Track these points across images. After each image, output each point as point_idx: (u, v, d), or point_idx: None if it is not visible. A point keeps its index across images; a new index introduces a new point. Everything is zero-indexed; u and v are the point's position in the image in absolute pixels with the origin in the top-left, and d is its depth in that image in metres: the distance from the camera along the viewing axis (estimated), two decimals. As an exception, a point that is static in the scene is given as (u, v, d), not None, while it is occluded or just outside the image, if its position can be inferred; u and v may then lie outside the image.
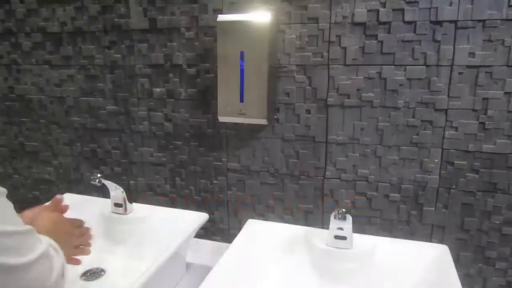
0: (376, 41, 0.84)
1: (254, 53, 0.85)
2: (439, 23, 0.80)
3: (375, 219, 0.93)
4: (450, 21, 0.79)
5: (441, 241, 0.90)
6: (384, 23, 0.83)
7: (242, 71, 0.87)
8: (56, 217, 0.75)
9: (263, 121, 0.89)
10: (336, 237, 0.79)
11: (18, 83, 1.13)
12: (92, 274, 0.85)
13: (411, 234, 0.92)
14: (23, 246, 0.47)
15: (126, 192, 1.11)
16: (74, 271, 0.85)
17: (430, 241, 0.91)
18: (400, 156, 0.88)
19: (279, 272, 0.83)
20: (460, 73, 0.81)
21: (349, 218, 0.76)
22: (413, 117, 0.85)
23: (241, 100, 0.88)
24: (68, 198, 1.01)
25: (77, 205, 0.88)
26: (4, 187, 1.17)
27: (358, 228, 0.94)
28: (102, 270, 0.87)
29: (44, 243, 0.52)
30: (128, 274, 0.85)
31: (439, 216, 0.89)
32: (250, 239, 0.85)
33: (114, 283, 0.84)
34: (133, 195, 1.12)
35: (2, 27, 1.10)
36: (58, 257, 0.55)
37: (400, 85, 0.84)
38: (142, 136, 1.06)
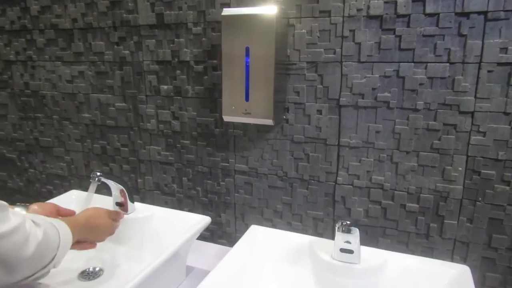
0: (393, 35, 0.76)
1: (260, 49, 0.80)
2: (465, 14, 0.71)
3: (390, 230, 0.86)
4: (479, 13, 0.70)
5: (464, 259, 0.81)
6: (403, 15, 0.75)
7: (247, 68, 0.82)
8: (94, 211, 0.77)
9: (269, 122, 0.84)
10: (342, 250, 0.72)
11: (33, 79, 1.15)
12: (90, 273, 0.84)
13: (430, 249, 0.84)
14: None
15: (133, 191, 1.09)
16: (72, 270, 0.84)
17: (452, 258, 0.82)
18: (419, 162, 0.80)
19: (279, 284, 0.77)
20: (489, 71, 0.72)
21: (356, 231, 0.69)
22: (435, 120, 0.77)
23: (247, 99, 0.83)
24: (75, 195, 1.01)
25: (82, 202, 0.87)
26: (20, 181, 1.22)
27: (371, 239, 0.87)
28: (101, 270, 0.85)
29: (18, 217, 0.53)
30: (126, 275, 0.82)
31: (462, 230, 0.80)
32: (251, 246, 0.80)
33: (110, 283, 0.82)
34: (141, 194, 1.10)
35: (18, 24, 1.11)
36: (39, 229, 0.55)
37: (420, 84, 0.76)
38: (150, 134, 1.04)
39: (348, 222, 0.68)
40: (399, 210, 0.84)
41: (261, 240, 0.83)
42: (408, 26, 0.75)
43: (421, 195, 0.82)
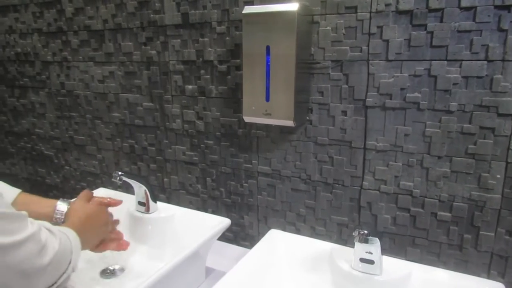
0: (425, 32, 0.71)
1: (281, 48, 0.77)
2: (506, 8, 0.64)
3: (420, 239, 0.80)
4: (522, 5, 0.63)
5: (502, 275, 0.74)
6: (436, 10, 0.69)
7: (268, 67, 0.79)
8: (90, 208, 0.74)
9: (290, 123, 0.81)
10: (362, 260, 0.68)
11: (68, 79, 1.19)
12: (112, 272, 0.85)
13: (464, 261, 0.77)
14: (6, 228, 0.48)
15: (160, 190, 1.11)
16: (94, 268, 0.86)
17: (488, 273, 0.75)
18: (452, 168, 0.74)
19: (298, 291, 0.75)
20: (534, 69, 0.65)
21: (376, 240, 0.65)
22: (470, 123, 0.71)
23: (267, 99, 0.81)
24: (102, 193, 1.04)
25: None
26: (57, 178, 1.25)
27: (399, 248, 0.82)
28: (122, 268, 0.87)
29: (35, 226, 0.52)
30: (146, 273, 0.83)
31: (500, 243, 0.73)
32: (269, 251, 0.78)
33: (131, 281, 0.83)
34: (167, 193, 1.11)
35: (55, 26, 1.16)
36: (54, 238, 0.55)
37: (454, 84, 0.70)
38: (176, 133, 1.05)
39: (366, 232, 0.64)
40: (430, 219, 0.78)
41: (279, 245, 0.80)
42: (441, 21, 0.69)
43: (454, 203, 0.75)
